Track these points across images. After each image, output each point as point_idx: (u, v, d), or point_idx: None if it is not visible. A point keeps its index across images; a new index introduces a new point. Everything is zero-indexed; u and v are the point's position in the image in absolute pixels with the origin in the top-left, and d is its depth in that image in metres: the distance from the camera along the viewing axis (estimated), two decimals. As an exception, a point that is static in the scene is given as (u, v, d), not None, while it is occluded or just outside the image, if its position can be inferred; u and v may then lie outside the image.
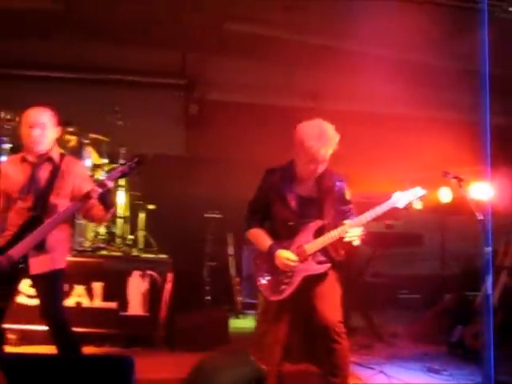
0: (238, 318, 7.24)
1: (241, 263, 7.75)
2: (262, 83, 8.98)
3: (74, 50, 8.50)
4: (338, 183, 4.06)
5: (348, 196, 4.11)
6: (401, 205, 3.95)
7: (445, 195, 6.67)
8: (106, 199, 3.87)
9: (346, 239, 3.85)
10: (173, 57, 9.04)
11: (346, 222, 3.87)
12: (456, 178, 4.79)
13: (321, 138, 3.83)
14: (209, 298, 7.29)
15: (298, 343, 4.53)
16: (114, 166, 6.00)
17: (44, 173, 3.98)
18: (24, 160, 4.02)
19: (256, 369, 1.05)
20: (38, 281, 3.93)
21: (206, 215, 7.89)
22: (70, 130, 6.50)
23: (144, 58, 8.71)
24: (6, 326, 5.07)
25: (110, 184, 3.85)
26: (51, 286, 3.92)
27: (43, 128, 3.93)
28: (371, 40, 7.32)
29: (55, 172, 3.97)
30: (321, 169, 3.94)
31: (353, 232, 3.84)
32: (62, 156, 4.10)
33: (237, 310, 7.32)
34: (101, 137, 6.75)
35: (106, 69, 8.79)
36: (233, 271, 7.65)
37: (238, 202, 4.55)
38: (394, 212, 4.04)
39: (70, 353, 3.85)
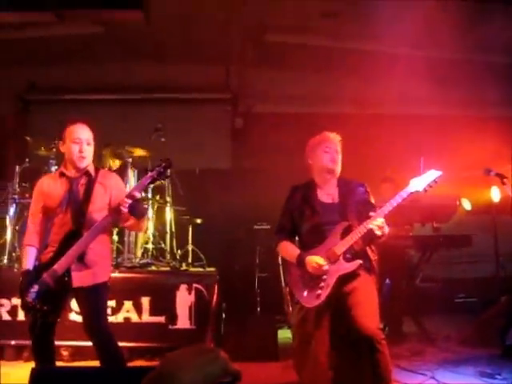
0: (289, 328, 7.20)
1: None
2: (304, 92, 9.01)
3: (116, 72, 8.75)
4: (359, 188, 4.17)
5: (372, 200, 4.17)
6: (420, 188, 3.91)
7: (495, 194, 6.51)
8: (135, 210, 3.91)
9: (371, 227, 3.85)
10: (216, 71, 9.18)
11: (371, 213, 3.90)
12: (498, 175, 4.68)
13: (328, 150, 4.13)
14: (259, 308, 7.29)
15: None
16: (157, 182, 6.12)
17: (81, 186, 4.06)
18: (62, 175, 4.10)
19: (226, 368, 1.05)
20: (81, 295, 3.98)
21: (255, 227, 7.93)
22: (115, 151, 6.65)
23: (186, 75, 8.88)
24: (59, 342, 5.25)
25: (138, 194, 3.89)
26: (93, 300, 3.97)
27: (89, 144, 4.06)
28: (407, 41, 7.25)
29: (92, 185, 4.05)
30: (334, 176, 4.15)
31: (377, 222, 3.84)
32: (97, 170, 4.18)
33: (287, 320, 7.28)
34: (142, 153, 6.82)
35: (148, 88, 9.00)
36: (283, 281, 7.63)
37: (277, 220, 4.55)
38: (415, 196, 4.00)
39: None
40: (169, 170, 3.98)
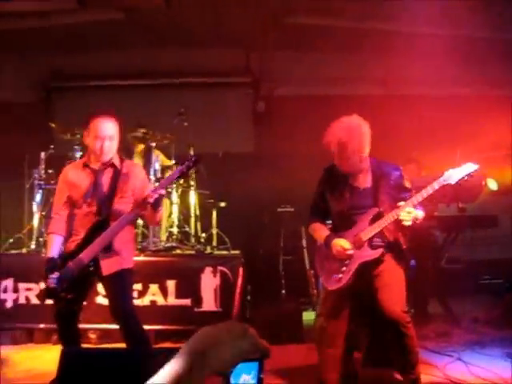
0: (313, 310, 7.23)
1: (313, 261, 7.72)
2: (326, 74, 8.95)
3: (138, 57, 8.77)
4: (394, 172, 4.06)
5: (407, 184, 4.08)
6: (453, 181, 3.85)
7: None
8: (156, 203, 3.91)
9: (400, 217, 3.80)
10: (237, 55, 9.16)
11: (401, 203, 3.84)
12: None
13: (347, 133, 3.88)
14: (284, 291, 7.32)
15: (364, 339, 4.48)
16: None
17: (106, 178, 4.11)
18: (86, 166, 4.15)
19: (256, 344, 1.06)
20: (107, 282, 4.04)
21: (278, 210, 7.95)
22: (139, 135, 6.69)
23: (208, 59, 8.87)
24: (87, 325, 5.36)
25: (163, 192, 3.92)
26: (119, 285, 4.02)
27: (112, 140, 4.06)
28: (431, 20, 7.15)
29: (117, 176, 4.10)
30: (354, 161, 3.94)
31: (405, 211, 3.80)
32: (122, 161, 4.22)
33: (312, 302, 7.30)
34: (166, 136, 6.85)
35: (170, 73, 9.02)
36: (307, 264, 7.64)
37: (309, 195, 4.55)
38: (446, 189, 3.94)
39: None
40: (197, 166, 4.03)
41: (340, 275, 3.95)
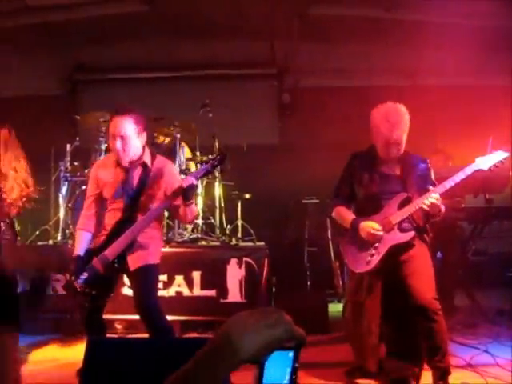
0: (339, 302, 7.21)
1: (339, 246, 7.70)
2: (351, 65, 8.91)
3: (162, 50, 8.80)
4: (421, 164, 4.09)
5: (433, 177, 4.09)
6: (485, 167, 3.83)
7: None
8: (188, 193, 3.87)
9: (425, 205, 3.78)
10: (261, 47, 9.14)
11: (431, 187, 3.82)
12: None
13: (390, 121, 3.88)
14: (309, 282, 7.30)
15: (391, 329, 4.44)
16: (205, 158, 6.15)
17: (136, 176, 4.05)
18: (118, 164, 4.08)
19: (291, 331, 1.04)
20: (133, 276, 4.02)
21: (303, 201, 7.94)
22: (164, 128, 6.71)
23: (232, 51, 8.88)
24: (113, 316, 5.39)
25: (196, 182, 3.87)
26: (144, 280, 3.99)
27: (124, 139, 3.92)
28: (456, 10, 7.06)
29: (146, 174, 4.04)
30: (399, 150, 3.98)
31: (431, 198, 3.77)
32: (153, 158, 4.15)
33: (338, 294, 7.28)
34: (191, 128, 6.85)
35: (195, 65, 9.03)
36: (332, 256, 7.62)
37: (334, 186, 4.53)
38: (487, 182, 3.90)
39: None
40: (223, 163, 4.01)
41: (369, 258, 3.94)
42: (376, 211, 4.00)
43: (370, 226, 3.92)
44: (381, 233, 3.90)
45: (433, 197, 3.75)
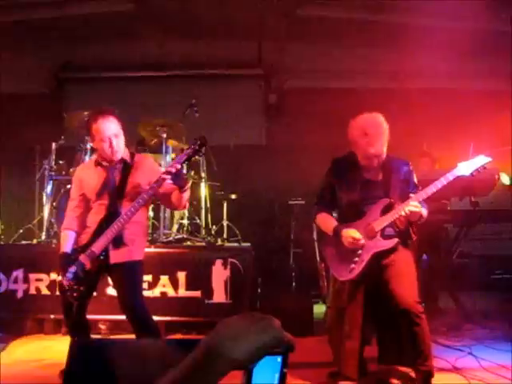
0: (324, 303, 7.21)
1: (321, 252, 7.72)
2: (339, 67, 8.92)
3: (149, 49, 8.77)
4: (404, 167, 4.08)
5: (416, 180, 4.10)
6: (467, 172, 3.86)
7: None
8: (179, 179, 3.90)
9: (404, 213, 3.80)
10: (249, 47, 9.13)
11: (412, 195, 3.85)
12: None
13: (369, 135, 3.87)
14: (294, 284, 7.30)
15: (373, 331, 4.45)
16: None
17: (118, 173, 4.14)
18: (98, 164, 4.18)
19: (280, 337, 1.03)
20: (116, 273, 4.05)
21: (289, 202, 7.93)
22: (150, 128, 6.69)
23: (220, 51, 8.86)
24: (97, 316, 5.36)
25: (178, 166, 3.89)
26: (129, 277, 4.03)
27: (117, 136, 4.06)
28: (445, 12, 7.09)
29: (128, 170, 4.12)
30: (380, 160, 3.97)
31: (410, 207, 3.78)
32: (132, 155, 4.25)
33: (323, 295, 7.28)
34: (178, 127, 6.83)
35: (182, 64, 9.02)
36: (318, 257, 7.61)
37: (316, 192, 4.53)
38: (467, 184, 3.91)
39: (149, 342, 3.92)
40: (204, 148, 4.00)
41: (352, 265, 3.94)
42: (358, 217, 4.00)
43: (351, 234, 3.92)
44: (362, 241, 3.90)
45: (412, 205, 3.77)
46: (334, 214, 4.26)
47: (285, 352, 1.17)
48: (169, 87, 8.84)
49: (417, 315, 3.82)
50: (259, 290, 6.24)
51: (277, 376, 1.17)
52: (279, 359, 1.17)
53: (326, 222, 4.15)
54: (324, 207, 4.20)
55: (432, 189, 3.81)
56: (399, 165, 4.08)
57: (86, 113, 6.38)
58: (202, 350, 1.10)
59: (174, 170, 3.85)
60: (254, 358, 1.11)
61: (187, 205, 4.40)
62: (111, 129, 4.03)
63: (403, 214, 3.81)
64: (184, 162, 4.00)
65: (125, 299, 3.98)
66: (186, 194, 4.07)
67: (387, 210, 3.93)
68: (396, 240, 3.92)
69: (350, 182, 4.05)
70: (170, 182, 3.88)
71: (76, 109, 7.05)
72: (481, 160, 3.89)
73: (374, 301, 4.06)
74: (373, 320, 4.19)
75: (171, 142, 6.74)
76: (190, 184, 4.17)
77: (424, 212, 3.85)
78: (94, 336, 4.79)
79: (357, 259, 3.93)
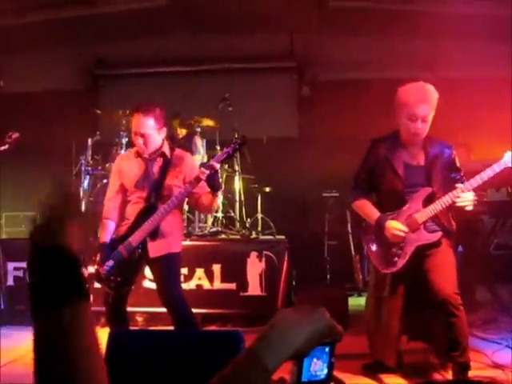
0: (359, 296, 7.21)
1: (361, 241, 7.69)
2: (372, 58, 8.83)
3: (182, 44, 8.82)
4: (446, 150, 3.96)
5: (458, 164, 4.00)
6: None
7: None
8: (214, 181, 3.97)
9: (458, 204, 3.74)
10: (281, 40, 9.12)
11: (459, 185, 3.75)
12: None
13: (419, 94, 3.80)
14: (329, 276, 7.30)
15: (414, 319, 4.41)
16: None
17: (157, 167, 4.18)
18: (138, 156, 4.23)
19: (332, 327, 1.06)
20: (155, 265, 4.12)
21: (323, 194, 7.94)
22: (183, 121, 6.74)
23: (252, 44, 8.88)
24: (134, 309, 5.43)
25: (217, 166, 3.95)
26: (167, 268, 4.09)
27: (145, 137, 4.08)
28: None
29: (167, 165, 4.16)
30: (424, 131, 3.86)
31: (465, 197, 3.72)
32: (172, 150, 4.28)
33: (358, 288, 7.27)
34: (211, 122, 6.88)
35: (215, 58, 9.04)
36: (352, 249, 7.61)
37: (354, 173, 4.50)
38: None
39: (188, 332, 3.98)
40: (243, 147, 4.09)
41: (396, 258, 3.89)
42: (399, 206, 3.93)
43: (396, 226, 3.85)
44: (407, 234, 3.84)
45: (467, 196, 3.71)
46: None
47: (333, 342, 1.19)
48: (202, 81, 8.88)
49: (455, 306, 3.77)
50: (294, 283, 6.25)
51: (325, 365, 1.19)
52: (327, 349, 1.19)
53: (367, 209, 4.07)
54: (362, 192, 4.12)
55: (478, 181, 3.71)
56: (442, 147, 3.97)
57: (120, 108, 6.50)
58: (264, 338, 1.13)
59: (211, 169, 3.90)
60: (309, 347, 1.13)
61: (215, 209, 4.41)
62: (140, 126, 4.07)
63: (447, 204, 3.75)
64: (224, 161, 4.05)
65: (164, 291, 4.03)
66: (218, 199, 4.12)
67: (429, 199, 3.85)
68: (440, 234, 3.86)
69: (391, 166, 3.95)
70: (204, 179, 3.92)
71: (111, 105, 7.16)
72: None
73: (412, 290, 4.01)
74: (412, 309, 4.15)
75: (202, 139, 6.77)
76: (222, 189, 4.20)
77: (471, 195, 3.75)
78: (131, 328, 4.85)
79: (400, 252, 3.87)
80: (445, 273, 3.85)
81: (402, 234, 3.84)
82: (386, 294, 4.06)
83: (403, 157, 3.96)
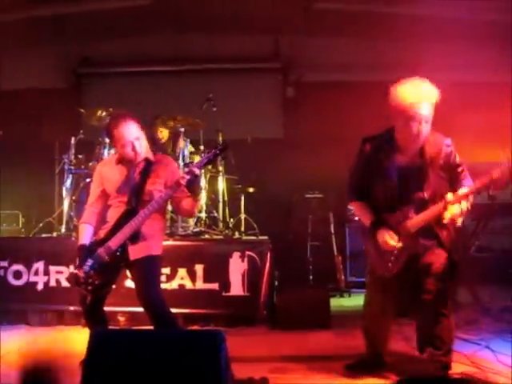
0: (341, 296, 7.25)
1: (343, 242, 7.74)
2: (356, 60, 8.88)
3: (166, 43, 8.82)
4: (443, 147, 3.73)
5: (458, 159, 3.77)
6: None
7: None
8: (194, 186, 4.03)
9: (445, 221, 3.58)
10: (266, 41, 9.17)
11: (448, 195, 3.56)
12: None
13: (420, 92, 3.59)
14: (312, 277, 7.32)
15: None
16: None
17: (138, 172, 4.19)
18: (120, 162, 4.25)
19: None
20: (134, 267, 4.11)
21: (307, 195, 7.97)
22: (165, 122, 6.73)
23: (237, 45, 8.89)
24: (115, 308, 5.42)
25: (197, 171, 3.97)
26: (146, 270, 4.08)
27: (139, 139, 4.12)
28: (462, 4, 7.03)
29: (148, 170, 4.17)
30: (425, 131, 3.64)
31: (452, 210, 3.53)
32: (154, 155, 4.31)
33: (340, 288, 7.31)
34: (195, 122, 6.88)
35: (199, 58, 9.04)
36: (335, 250, 7.63)
37: (337, 181, 4.53)
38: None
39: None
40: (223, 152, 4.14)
41: (389, 264, 3.84)
42: (393, 209, 3.82)
43: (387, 238, 3.78)
44: (398, 244, 3.77)
45: (454, 209, 3.52)
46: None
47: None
48: (186, 81, 8.86)
49: (445, 306, 3.82)
50: (276, 283, 6.26)
51: None
52: None
53: (363, 212, 3.99)
54: (357, 196, 4.01)
55: (472, 188, 3.56)
56: (439, 146, 3.72)
57: (104, 112, 6.48)
58: None
59: (192, 175, 3.92)
60: None
61: (196, 213, 4.43)
62: (133, 133, 4.09)
63: (436, 214, 3.63)
64: (204, 166, 4.06)
65: (142, 293, 4.02)
66: (198, 203, 4.14)
67: (423, 205, 3.72)
68: (433, 242, 3.77)
69: (383, 169, 3.80)
70: (184, 183, 3.94)
71: (95, 103, 7.13)
72: None
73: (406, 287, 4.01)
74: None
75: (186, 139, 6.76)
76: (201, 195, 4.22)
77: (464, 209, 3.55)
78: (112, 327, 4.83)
79: (393, 258, 3.82)
80: (434, 274, 3.77)
81: (391, 245, 3.78)
82: (378, 292, 4.10)
83: (397, 158, 3.79)
